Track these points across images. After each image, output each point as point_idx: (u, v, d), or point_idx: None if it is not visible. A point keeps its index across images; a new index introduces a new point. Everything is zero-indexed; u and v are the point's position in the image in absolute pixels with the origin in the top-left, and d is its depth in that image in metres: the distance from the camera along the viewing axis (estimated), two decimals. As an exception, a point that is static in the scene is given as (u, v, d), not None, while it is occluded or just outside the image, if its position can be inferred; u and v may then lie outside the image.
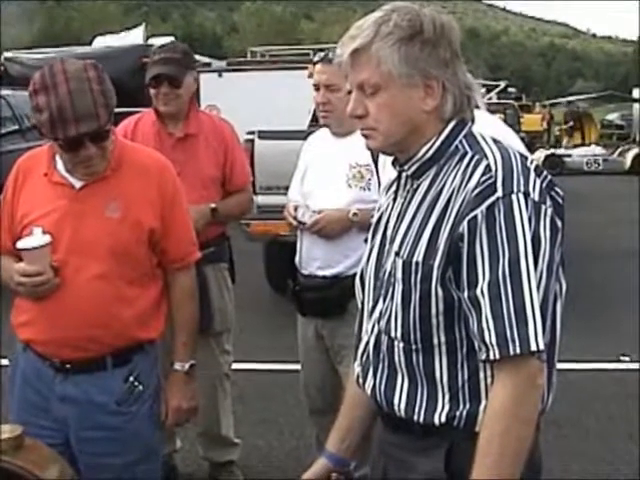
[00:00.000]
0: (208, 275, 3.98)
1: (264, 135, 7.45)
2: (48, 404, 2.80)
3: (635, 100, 31.14)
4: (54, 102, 2.51)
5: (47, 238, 2.66)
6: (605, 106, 38.83)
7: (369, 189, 3.65)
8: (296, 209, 3.77)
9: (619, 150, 24.04)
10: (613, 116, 39.56)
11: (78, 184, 2.75)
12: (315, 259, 3.73)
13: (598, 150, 24.23)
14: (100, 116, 2.54)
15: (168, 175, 2.89)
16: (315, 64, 3.74)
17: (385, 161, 3.31)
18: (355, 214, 3.62)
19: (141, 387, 2.82)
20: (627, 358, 6.44)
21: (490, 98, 18.32)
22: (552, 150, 24.07)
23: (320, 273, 3.71)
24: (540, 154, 21.62)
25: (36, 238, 2.66)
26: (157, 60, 3.98)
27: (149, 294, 2.84)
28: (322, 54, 3.76)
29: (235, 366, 4.40)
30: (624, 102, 35.26)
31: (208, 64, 12.31)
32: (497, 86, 21.09)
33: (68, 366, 2.77)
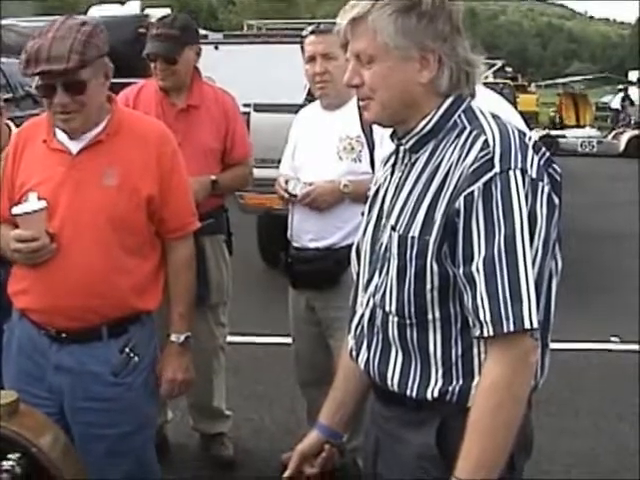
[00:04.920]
0: (206, 247, 3.98)
1: (260, 108, 7.43)
2: (43, 373, 2.81)
3: (631, 83, 31.10)
4: (37, 44, 2.58)
5: (42, 203, 2.66)
6: (601, 88, 38.74)
7: (360, 161, 3.66)
8: (287, 182, 3.78)
9: (614, 132, 24.03)
10: (608, 98, 39.48)
11: (75, 149, 2.75)
12: (307, 231, 3.74)
13: (593, 132, 24.21)
14: (70, 59, 2.56)
15: (168, 144, 2.88)
16: (305, 37, 3.73)
17: (382, 136, 3.32)
18: (346, 185, 3.63)
19: (137, 358, 2.83)
20: (617, 339, 6.47)
21: (486, 77, 18.29)
22: (547, 131, 24.04)
23: (312, 245, 3.73)
24: (535, 135, 21.51)
25: (31, 204, 2.67)
26: (154, 35, 3.97)
27: (147, 264, 2.84)
28: (312, 27, 3.75)
29: (227, 338, 4.41)
30: (620, 85, 35.17)
31: (204, 36, 12.26)
32: (494, 65, 21.03)
33: (64, 335, 2.77)
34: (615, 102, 29.23)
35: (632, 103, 29.22)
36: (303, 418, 4.07)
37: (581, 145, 22.67)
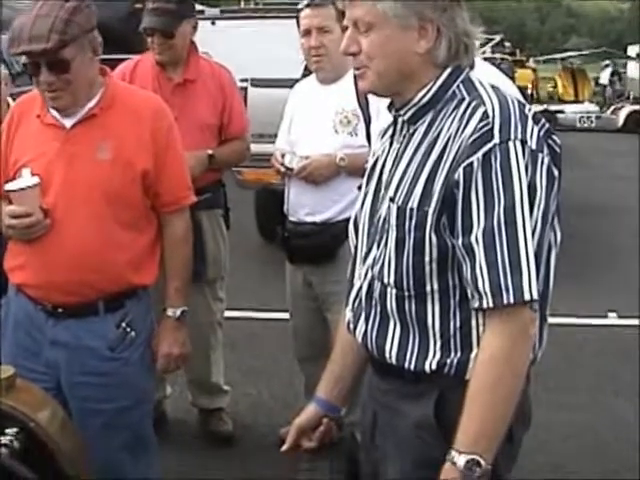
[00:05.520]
0: (203, 221, 3.98)
1: (257, 83, 7.40)
2: (40, 348, 2.80)
3: (630, 58, 30.95)
4: (21, 23, 2.57)
5: (35, 179, 2.65)
6: (598, 64, 38.58)
7: (356, 134, 3.65)
8: (283, 156, 3.77)
9: (612, 107, 23.97)
10: (607, 74, 39.29)
11: (69, 124, 2.73)
12: (304, 205, 3.74)
13: (591, 107, 24.15)
14: (50, 39, 2.53)
15: (163, 118, 2.86)
16: (301, 11, 3.71)
17: (379, 109, 3.30)
18: (342, 159, 3.63)
19: (133, 333, 2.82)
20: (614, 314, 6.48)
21: (484, 52, 18.23)
22: (545, 106, 23.97)
23: (309, 219, 3.72)
24: (533, 109, 21.37)
25: (24, 179, 2.66)
26: (150, 10, 3.93)
27: (143, 238, 2.83)
28: (307, 0, 3.72)
29: (225, 314, 4.41)
30: (618, 59, 35.03)
31: (201, 11, 12.18)
32: (492, 40, 20.94)
33: (60, 310, 2.77)
34: (604, 77, 29.09)
35: (620, 78, 29.11)
36: (301, 393, 4.08)
37: (580, 120, 22.61)
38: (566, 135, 16.07)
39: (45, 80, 2.62)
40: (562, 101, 26.84)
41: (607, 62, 30.43)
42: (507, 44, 31.01)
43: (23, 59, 2.66)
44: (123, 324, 2.80)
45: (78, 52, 2.62)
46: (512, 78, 18.70)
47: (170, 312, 2.94)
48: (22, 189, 2.65)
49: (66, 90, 2.65)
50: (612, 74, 28.96)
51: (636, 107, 22.71)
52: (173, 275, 2.93)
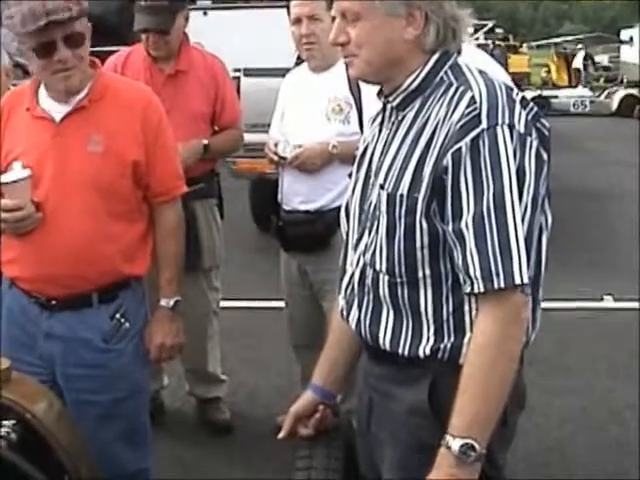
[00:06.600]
0: (197, 211, 3.99)
1: (250, 73, 7.38)
2: (34, 341, 2.81)
3: (623, 42, 30.94)
4: (25, 5, 2.52)
5: (26, 172, 2.65)
6: (593, 48, 38.55)
7: (349, 122, 3.64)
8: (276, 145, 3.77)
9: (606, 92, 23.99)
10: (601, 58, 39.27)
11: (59, 116, 2.72)
12: (297, 194, 3.74)
13: (585, 92, 24.16)
14: (72, 9, 2.53)
15: (153, 108, 2.85)
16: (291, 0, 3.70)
17: (369, 97, 3.30)
18: (335, 147, 3.62)
19: (128, 324, 2.83)
20: (610, 297, 6.49)
21: (477, 38, 18.19)
22: (539, 91, 23.97)
23: (302, 208, 3.72)
24: (527, 95, 21.35)
25: (15, 172, 2.66)
26: (143, 8, 3.89)
27: (135, 229, 2.83)
28: None
29: (221, 303, 4.42)
30: (612, 44, 35.00)
31: (193, 2, 12.13)
32: (484, 26, 20.92)
33: (54, 303, 2.77)
34: (577, 62, 29.12)
35: (594, 62, 29.22)
36: (298, 381, 4.08)
37: (574, 105, 22.63)
38: (561, 120, 16.09)
39: (61, 57, 2.59)
40: (556, 86, 26.84)
41: (580, 46, 30.48)
42: (499, 30, 30.98)
43: (30, 43, 2.62)
44: (117, 315, 2.80)
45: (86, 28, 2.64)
46: (505, 64, 18.66)
47: (164, 302, 2.94)
48: (13, 182, 2.65)
49: (78, 68, 2.65)
50: (585, 58, 29.03)
51: (630, 91, 22.74)
52: (166, 265, 2.93)
